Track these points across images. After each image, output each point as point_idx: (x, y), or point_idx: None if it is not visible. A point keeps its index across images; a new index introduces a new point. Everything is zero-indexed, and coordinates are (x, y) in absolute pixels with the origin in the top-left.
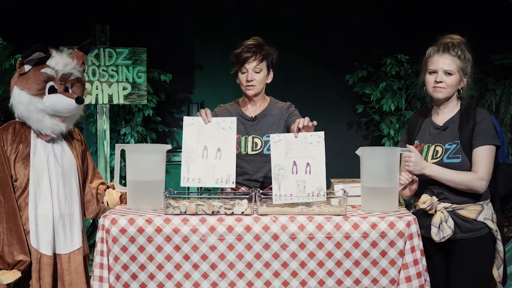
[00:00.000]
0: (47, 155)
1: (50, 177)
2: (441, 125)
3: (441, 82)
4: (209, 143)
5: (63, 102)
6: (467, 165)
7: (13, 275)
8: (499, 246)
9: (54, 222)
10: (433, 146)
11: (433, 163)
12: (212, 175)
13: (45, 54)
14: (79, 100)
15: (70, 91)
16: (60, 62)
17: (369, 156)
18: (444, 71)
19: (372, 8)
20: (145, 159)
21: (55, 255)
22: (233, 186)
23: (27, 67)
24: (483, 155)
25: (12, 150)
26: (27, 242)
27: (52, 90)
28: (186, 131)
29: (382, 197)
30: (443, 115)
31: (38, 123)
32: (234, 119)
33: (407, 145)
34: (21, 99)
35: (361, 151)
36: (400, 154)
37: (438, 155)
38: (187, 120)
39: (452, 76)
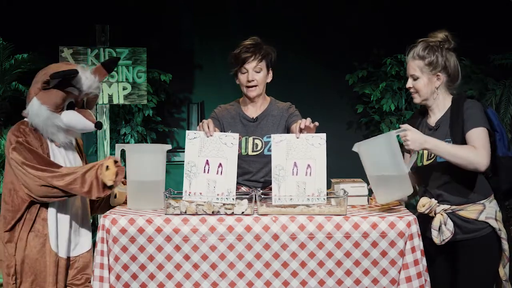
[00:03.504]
0: (63, 158)
1: None
2: (433, 125)
3: (410, 87)
4: (211, 158)
5: (81, 122)
6: None
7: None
8: (504, 244)
9: (72, 225)
10: None
11: (429, 164)
12: (213, 190)
13: (74, 75)
14: (99, 126)
15: (84, 104)
16: (85, 82)
17: (367, 148)
18: (411, 75)
19: (372, 8)
20: (145, 159)
21: (68, 258)
22: (234, 202)
23: (52, 83)
24: (478, 136)
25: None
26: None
27: (70, 106)
28: (189, 145)
29: (393, 184)
30: (435, 116)
31: (51, 135)
32: (236, 136)
33: (401, 125)
34: (39, 113)
35: (357, 146)
36: (403, 150)
37: (433, 155)
38: (189, 134)
39: (418, 79)
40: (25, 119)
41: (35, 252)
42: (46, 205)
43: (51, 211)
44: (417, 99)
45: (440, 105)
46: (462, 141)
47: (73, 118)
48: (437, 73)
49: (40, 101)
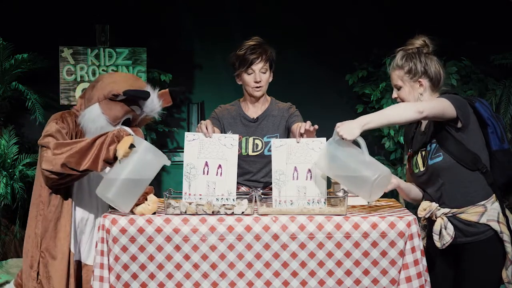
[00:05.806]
0: None
1: (89, 182)
2: (423, 130)
3: (396, 97)
4: (210, 159)
5: None
6: (449, 162)
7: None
8: (507, 247)
9: (94, 229)
10: (419, 152)
11: (425, 168)
12: (212, 192)
13: (146, 98)
14: None
15: (137, 122)
16: (150, 105)
17: (325, 165)
18: (394, 86)
19: (372, 8)
20: (143, 157)
21: (80, 263)
22: (234, 203)
23: (120, 97)
24: (432, 100)
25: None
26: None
27: (126, 122)
28: (187, 147)
29: (364, 177)
30: (425, 122)
31: None
32: (236, 137)
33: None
34: (96, 120)
35: (319, 168)
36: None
37: (426, 160)
38: (188, 136)
39: (402, 88)
40: (73, 110)
41: (57, 250)
42: (71, 205)
43: (75, 211)
44: None
45: None
46: (446, 137)
47: None
48: (418, 79)
49: (102, 109)
